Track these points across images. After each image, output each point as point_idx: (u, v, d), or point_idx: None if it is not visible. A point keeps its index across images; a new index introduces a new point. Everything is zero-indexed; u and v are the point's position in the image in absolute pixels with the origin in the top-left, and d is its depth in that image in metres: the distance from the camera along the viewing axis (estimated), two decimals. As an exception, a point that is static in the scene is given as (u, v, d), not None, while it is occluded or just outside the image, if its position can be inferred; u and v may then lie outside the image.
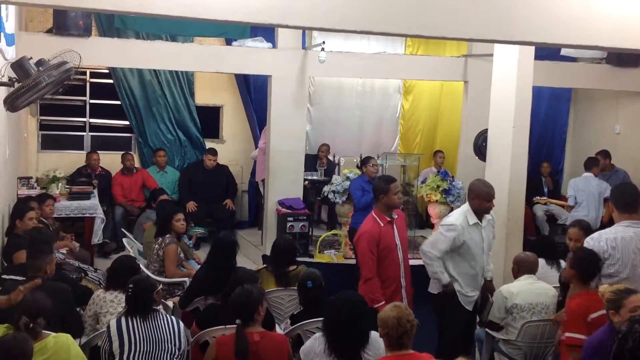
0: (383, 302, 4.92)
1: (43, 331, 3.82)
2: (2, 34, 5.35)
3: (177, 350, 4.10)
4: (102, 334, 4.26)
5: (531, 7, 4.64)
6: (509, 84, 6.49)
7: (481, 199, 5.19)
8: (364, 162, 8.12)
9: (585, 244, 4.35)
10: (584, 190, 8.42)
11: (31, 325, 3.60)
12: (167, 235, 6.35)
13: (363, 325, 3.93)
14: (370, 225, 5.30)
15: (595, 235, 4.37)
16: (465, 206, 5.31)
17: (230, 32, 8.85)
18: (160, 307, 4.52)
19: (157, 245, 6.35)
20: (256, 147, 10.08)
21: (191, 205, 9.22)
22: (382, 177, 5.71)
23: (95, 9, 4.43)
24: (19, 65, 4.38)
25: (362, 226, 5.41)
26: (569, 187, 8.82)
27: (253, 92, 10.19)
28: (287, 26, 4.14)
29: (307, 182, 9.46)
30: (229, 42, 9.28)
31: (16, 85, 4.39)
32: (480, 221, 5.24)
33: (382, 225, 5.26)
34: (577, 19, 4.70)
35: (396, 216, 5.40)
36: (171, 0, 3.68)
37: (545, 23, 4.65)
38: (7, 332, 3.53)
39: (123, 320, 4.10)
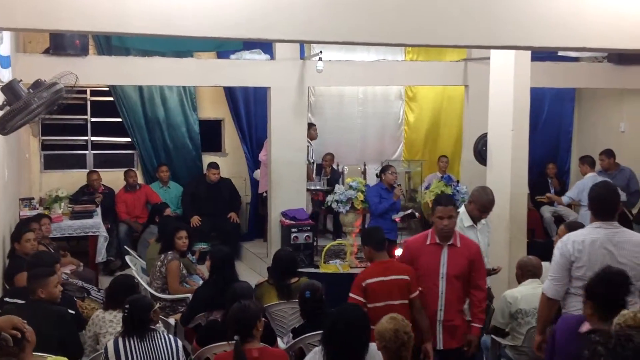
0: None
1: (40, 354, 3.80)
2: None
3: (175, 369, 4.07)
4: (100, 355, 4.23)
5: (522, 12, 4.65)
6: (507, 87, 6.45)
7: (476, 205, 5.25)
8: (383, 170, 8.10)
9: (555, 248, 4.28)
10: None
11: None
12: (170, 252, 6.34)
13: (362, 338, 3.87)
14: (417, 237, 4.96)
15: (565, 237, 4.29)
16: (462, 209, 5.32)
17: (227, 44, 8.85)
18: (160, 324, 4.50)
19: (159, 262, 6.35)
20: (249, 161, 10.20)
21: (195, 220, 9.21)
22: (440, 196, 5.31)
23: (71, 30, 4.42)
24: (9, 88, 4.39)
25: (416, 237, 5.06)
26: (574, 187, 8.74)
27: (243, 105, 10.19)
28: (266, 40, 4.12)
29: (314, 193, 9.43)
30: (221, 56, 9.30)
31: (7, 108, 4.38)
32: (476, 224, 5.23)
33: (427, 243, 4.73)
34: (568, 22, 4.71)
35: (457, 244, 4.68)
36: (147, 19, 3.66)
37: (536, 27, 4.66)
38: None
39: (120, 340, 4.07)
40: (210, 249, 5.92)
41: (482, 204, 5.24)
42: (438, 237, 4.67)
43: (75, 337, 4.66)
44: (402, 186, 7.51)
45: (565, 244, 4.20)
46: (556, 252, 4.24)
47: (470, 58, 9.46)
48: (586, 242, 4.14)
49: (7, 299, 5.03)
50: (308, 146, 9.61)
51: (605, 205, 4.26)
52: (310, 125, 9.88)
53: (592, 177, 8.50)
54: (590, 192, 4.36)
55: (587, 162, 8.98)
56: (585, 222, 8.14)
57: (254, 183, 10.22)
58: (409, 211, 7.52)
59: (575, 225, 4.97)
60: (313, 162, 9.82)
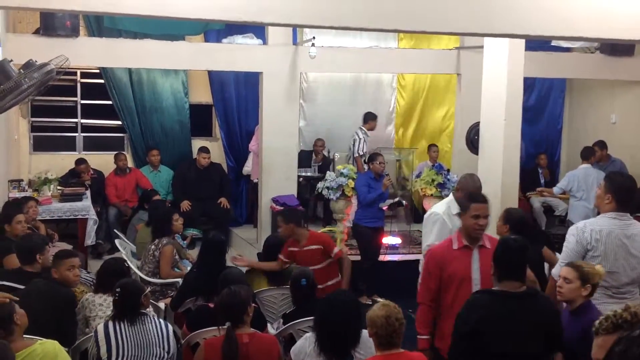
0: (426, 337, 4.34)
1: (30, 337, 3.78)
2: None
3: (165, 354, 4.07)
4: (90, 338, 4.21)
5: (517, 0, 4.61)
6: (500, 76, 6.44)
7: (464, 192, 5.17)
8: (371, 158, 8.03)
9: (570, 234, 4.27)
10: (585, 182, 8.34)
11: None
12: (165, 237, 6.35)
13: (354, 325, 3.89)
14: (441, 244, 4.56)
15: (580, 224, 4.26)
16: (450, 197, 5.32)
17: (211, 24, 8.77)
18: (151, 309, 4.49)
19: (153, 246, 6.33)
20: (225, 148, 10.27)
21: (185, 205, 9.17)
22: (471, 193, 4.64)
23: (63, 10, 4.37)
24: (-1, 68, 4.34)
25: (439, 244, 4.66)
26: (564, 178, 8.76)
27: (229, 91, 10.20)
28: (262, 24, 4.08)
29: (301, 179, 9.42)
30: (208, 39, 9.28)
31: (-2, 88, 4.33)
32: None
33: (454, 247, 4.32)
34: (562, 11, 4.71)
35: (487, 245, 4.29)
36: (140, -1, 3.62)
37: (531, 15, 4.66)
38: None
39: (110, 324, 4.06)
40: (209, 234, 5.94)
41: (469, 192, 5.22)
42: (467, 239, 4.28)
43: (72, 324, 4.64)
44: (390, 175, 7.44)
45: (583, 231, 4.18)
46: (572, 238, 4.19)
47: (463, 46, 9.45)
48: (604, 232, 4.14)
49: (-5, 281, 4.99)
50: (361, 139, 9.56)
51: (630, 196, 4.23)
52: (371, 116, 9.84)
53: (584, 169, 8.53)
54: (613, 182, 4.26)
55: (602, 147, 9.09)
56: (576, 212, 8.27)
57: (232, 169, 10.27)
58: (396, 199, 7.48)
59: (515, 213, 4.98)
60: (364, 155, 9.66)
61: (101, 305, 4.72)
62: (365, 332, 3.80)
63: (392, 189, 8.51)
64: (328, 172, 8.83)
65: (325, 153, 10.24)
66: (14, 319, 3.57)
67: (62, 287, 4.70)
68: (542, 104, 11.25)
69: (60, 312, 4.53)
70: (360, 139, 9.76)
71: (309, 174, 9.65)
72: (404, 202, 7.80)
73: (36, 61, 4.70)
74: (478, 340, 3.55)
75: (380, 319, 3.52)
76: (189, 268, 6.55)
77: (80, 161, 9.28)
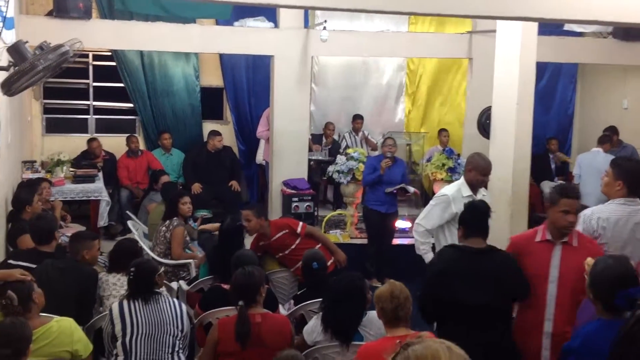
0: None
1: (46, 315, 3.85)
2: (0, 17, 5.32)
3: (179, 332, 4.12)
4: (105, 317, 4.28)
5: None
6: (512, 60, 6.43)
7: (477, 171, 5.15)
8: (383, 142, 8.05)
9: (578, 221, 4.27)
10: (589, 166, 8.30)
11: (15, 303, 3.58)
12: (175, 218, 6.38)
13: (356, 304, 4.02)
14: (526, 232, 4.36)
15: (588, 212, 4.25)
16: (461, 179, 5.30)
17: (220, 14, 8.79)
18: (163, 289, 4.54)
19: (164, 228, 6.37)
20: (236, 132, 10.30)
21: (197, 187, 9.20)
22: (559, 186, 4.22)
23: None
24: (15, 49, 4.36)
25: (522, 233, 4.48)
26: (575, 163, 8.74)
27: (239, 74, 10.21)
28: (276, 5, 4.09)
29: (312, 162, 9.45)
30: (220, 24, 9.24)
31: (13, 69, 4.36)
32: (475, 194, 5.19)
33: (536, 240, 4.05)
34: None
35: (574, 243, 3.96)
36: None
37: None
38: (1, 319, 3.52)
39: (125, 303, 4.11)
40: (225, 220, 6.02)
41: (483, 168, 5.18)
42: (552, 234, 3.99)
43: (91, 303, 4.72)
44: (389, 160, 7.39)
45: (590, 219, 4.19)
46: (579, 226, 4.13)
47: (475, 31, 9.40)
48: (611, 219, 4.15)
49: (10, 261, 5.05)
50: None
51: None
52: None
53: (596, 152, 8.51)
54: (623, 168, 4.25)
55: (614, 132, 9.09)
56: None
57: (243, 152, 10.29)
58: (399, 186, 7.47)
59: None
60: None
61: (115, 285, 4.78)
62: (373, 313, 3.87)
63: (416, 176, 8.49)
64: (338, 155, 8.86)
65: (336, 137, 10.25)
66: (32, 297, 3.64)
67: (87, 266, 4.81)
68: (553, 89, 11.19)
69: (86, 290, 4.63)
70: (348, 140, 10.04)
71: (319, 157, 9.67)
72: (411, 189, 7.71)
73: (50, 43, 4.73)
74: (444, 288, 3.88)
75: (385, 294, 3.62)
76: (199, 250, 6.64)
77: (92, 140, 9.36)
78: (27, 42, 4.49)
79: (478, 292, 3.81)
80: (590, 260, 3.44)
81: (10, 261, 5.06)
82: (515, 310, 4.15)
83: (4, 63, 4.77)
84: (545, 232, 4.02)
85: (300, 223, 6.12)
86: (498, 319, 3.91)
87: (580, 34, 9.91)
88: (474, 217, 4.04)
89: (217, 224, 6.52)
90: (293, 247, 5.91)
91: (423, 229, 5.19)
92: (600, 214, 4.19)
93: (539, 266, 3.97)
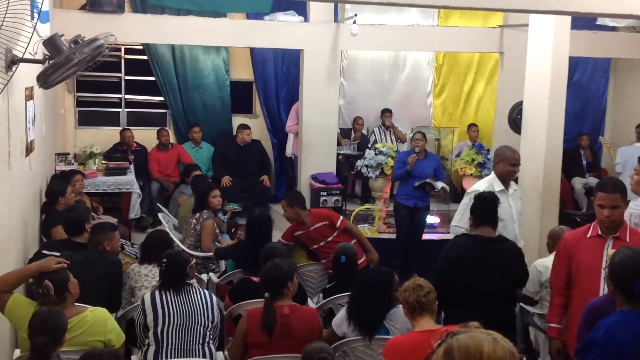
0: (555, 325, 4.15)
1: (80, 305, 3.91)
2: (36, 11, 5.40)
3: (209, 323, 4.16)
4: (137, 307, 4.34)
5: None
6: (545, 54, 6.36)
7: (506, 162, 5.14)
8: (412, 136, 8.00)
9: None
10: (627, 160, 8.21)
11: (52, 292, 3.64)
12: (205, 211, 6.42)
13: (382, 299, 4.06)
14: (579, 229, 4.18)
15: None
16: (491, 175, 5.25)
17: (258, 6, 8.78)
18: (194, 280, 4.59)
19: (194, 220, 6.42)
20: (268, 125, 10.27)
21: (226, 180, 9.25)
22: (600, 181, 4.11)
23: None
24: (51, 43, 4.42)
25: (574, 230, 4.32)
26: (617, 154, 8.66)
27: (269, 68, 10.19)
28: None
29: (340, 156, 9.45)
30: (251, 18, 9.25)
31: (48, 62, 4.43)
32: (507, 189, 5.16)
33: (588, 235, 3.97)
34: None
35: (626, 238, 3.84)
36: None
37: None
38: (37, 308, 3.58)
39: (157, 293, 4.17)
40: (255, 211, 6.04)
41: (510, 158, 5.15)
42: (601, 229, 3.90)
43: (119, 290, 4.80)
44: (416, 155, 7.35)
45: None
46: None
47: (507, 25, 9.31)
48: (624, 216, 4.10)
49: (45, 252, 5.14)
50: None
51: None
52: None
53: (633, 147, 8.42)
54: None
55: None
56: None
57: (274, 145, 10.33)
58: (424, 181, 7.42)
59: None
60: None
61: (147, 276, 4.85)
62: (400, 307, 3.88)
63: (445, 171, 8.44)
64: (367, 150, 8.85)
65: (364, 131, 10.24)
66: (68, 287, 3.70)
67: (112, 256, 4.88)
68: (585, 84, 11.04)
69: (113, 279, 4.70)
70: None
71: (348, 151, 9.66)
72: (439, 184, 7.62)
73: (84, 37, 4.79)
74: (455, 274, 4.24)
75: (409, 285, 3.69)
76: (228, 241, 6.68)
77: (125, 130, 9.50)
78: (62, 35, 4.55)
79: (485, 278, 4.21)
80: (611, 252, 3.44)
81: (44, 251, 5.16)
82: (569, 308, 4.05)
83: (39, 56, 4.84)
84: (596, 228, 3.93)
85: (341, 217, 6.17)
86: (504, 303, 4.35)
87: (613, 29, 9.76)
88: (483, 207, 4.41)
89: (231, 241, 6.53)
90: (329, 239, 5.94)
91: (462, 229, 5.01)
92: (633, 211, 4.16)
93: (591, 262, 3.88)
